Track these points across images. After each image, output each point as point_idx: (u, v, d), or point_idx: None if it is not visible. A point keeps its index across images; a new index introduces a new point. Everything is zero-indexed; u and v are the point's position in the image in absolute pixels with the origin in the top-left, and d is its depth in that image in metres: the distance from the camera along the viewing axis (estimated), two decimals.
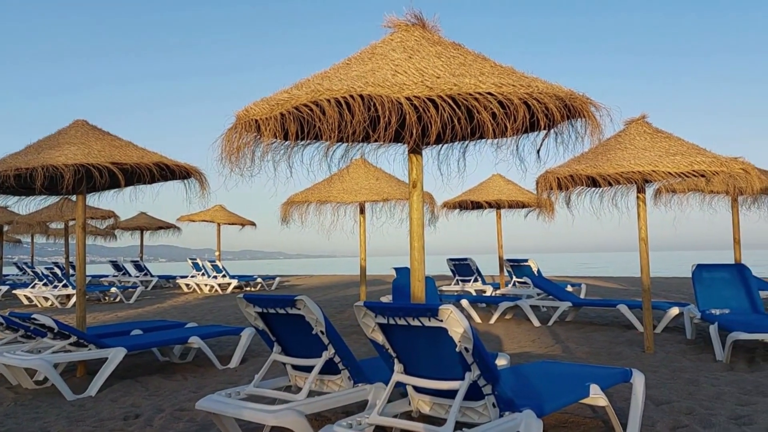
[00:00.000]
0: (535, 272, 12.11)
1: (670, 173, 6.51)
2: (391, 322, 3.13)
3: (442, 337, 3.01)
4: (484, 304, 11.61)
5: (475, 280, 12.09)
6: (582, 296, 12.85)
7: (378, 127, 3.68)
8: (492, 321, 9.48)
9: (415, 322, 3.03)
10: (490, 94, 3.21)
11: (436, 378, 3.17)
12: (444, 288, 12.17)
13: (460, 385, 2.97)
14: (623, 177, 6.69)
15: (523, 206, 12.32)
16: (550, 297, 10.21)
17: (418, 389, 3.35)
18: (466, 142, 4.62)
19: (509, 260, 12.24)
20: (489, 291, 11.79)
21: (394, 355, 3.31)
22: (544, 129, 4.01)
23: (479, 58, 3.78)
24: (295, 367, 3.92)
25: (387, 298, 10.56)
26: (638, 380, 3.89)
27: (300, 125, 3.87)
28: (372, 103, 3.22)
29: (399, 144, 4.64)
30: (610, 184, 7.56)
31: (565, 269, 43.75)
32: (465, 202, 12.01)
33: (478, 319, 9.56)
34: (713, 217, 11.38)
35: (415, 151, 3.91)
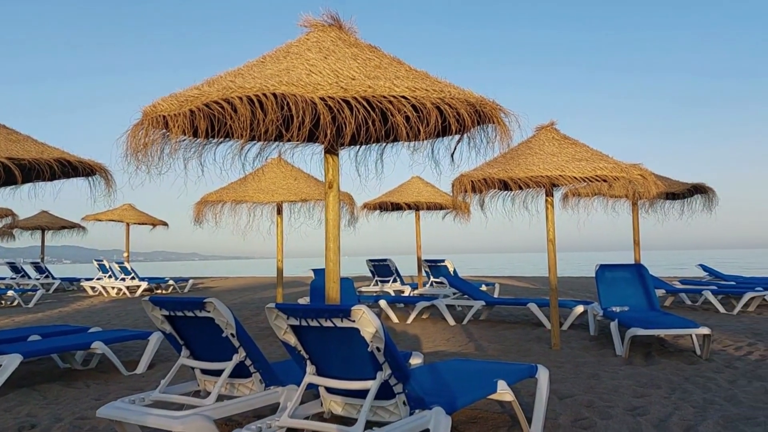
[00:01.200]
0: (452, 272, 12.39)
1: (575, 178, 6.84)
2: (304, 323, 3.11)
3: (355, 338, 3.02)
4: (402, 305, 11.77)
5: (394, 281, 12.22)
6: (495, 295, 13.27)
7: (292, 126, 3.65)
8: (409, 321, 9.61)
9: (328, 323, 3.02)
10: (404, 97, 3.26)
11: (348, 378, 3.18)
12: (363, 289, 12.22)
13: (372, 385, 2.99)
14: (533, 181, 6.95)
15: (441, 208, 12.58)
16: (465, 296, 10.48)
17: (330, 390, 3.35)
18: (383, 144, 4.67)
19: (427, 261, 12.46)
20: (407, 291, 11.95)
21: (306, 356, 3.29)
22: (457, 133, 4.11)
23: (395, 61, 3.83)
24: (204, 372, 3.81)
25: (305, 300, 10.48)
26: (543, 376, 4.06)
27: (211, 123, 3.78)
28: (285, 103, 3.19)
29: (316, 144, 4.63)
30: (521, 188, 7.86)
31: (480, 269, 45.03)
32: (385, 204, 12.12)
33: (395, 319, 9.66)
34: (615, 220, 12.07)
35: (331, 151, 3.91)
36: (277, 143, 4.36)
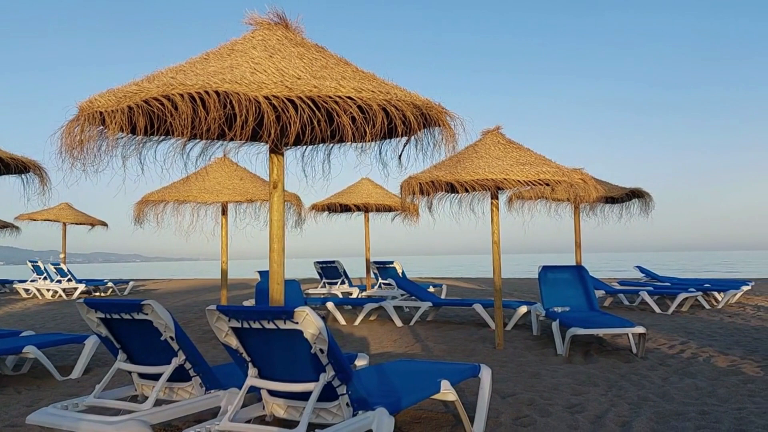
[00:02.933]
0: (400, 274, 12.46)
1: (519, 181, 6.98)
2: (245, 325, 3.07)
3: (298, 340, 2.99)
4: (350, 306, 11.74)
5: (342, 283, 12.18)
6: (443, 296, 13.42)
7: (235, 125, 3.59)
8: (357, 322, 9.61)
9: (270, 325, 2.99)
10: (350, 98, 3.25)
11: (291, 381, 3.14)
12: (311, 291, 12.14)
13: (315, 387, 2.97)
14: (479, 184, 7.06)
15: (390, 210, 12.62)
16: (413, 298, 10.55)
17: (273, 393, 3.31)
18: (331, 144, 4.65)
19: (376, 262, 12.48)
20: (355, 293, 11.94)
21: (248, 359, 3.23)
22: (403, 136, 4.13)
23: (341, 62, 3.82)
24: (142, 376, 3.70)
25: (251, 302, 10.32)
26: (485, 375, 4.12)
27: (150, 120, 3.68)
28: (228, 101, 3.13)
29: (261, 143, 4.57)
30: (467, 191, 7.98)
31: (429, 271, 45.45)
32: (333, 205, 12.08)
33: (343, 321, 9.64)
34: (558, 223, 12.40)
35: (276, 151, 3.86)
36: (220, 142, 4.28)
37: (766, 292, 14.92)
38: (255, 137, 4.24)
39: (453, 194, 8.31)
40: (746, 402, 4.60)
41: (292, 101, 3.20)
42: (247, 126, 3.16)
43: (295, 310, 2.85)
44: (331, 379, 3.00)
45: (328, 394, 3.08)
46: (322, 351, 2.93)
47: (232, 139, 4.01)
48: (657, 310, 10.82)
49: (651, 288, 11.48)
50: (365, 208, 12.08)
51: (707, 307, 11.33)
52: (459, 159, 7.39)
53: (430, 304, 9.28)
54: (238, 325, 3.09)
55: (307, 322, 2.86)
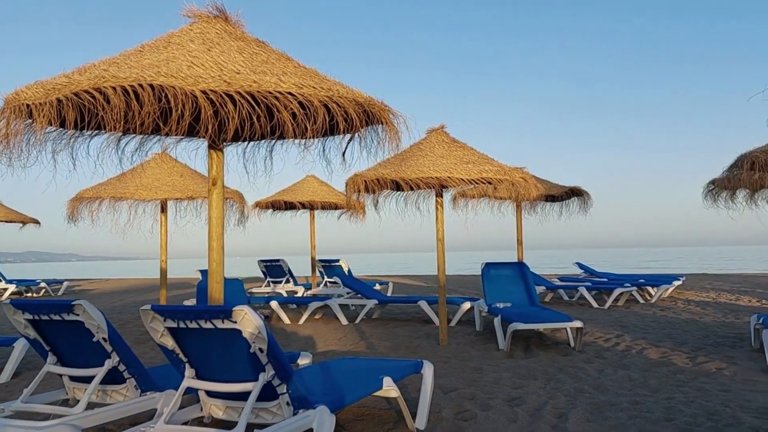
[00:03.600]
0: (346, 272, 12.44)
1: (463, 180, 7.08)
2: (182, 325, 2.99)
3: (236, 339, 2.94)
4: (294, 305, 11.64)
5: (287, 281, 12.07)
6: (389, 294, 13.47)
7: (170, 119, 3.50)
8: (301, 321, 9.53)
9: (208, 325, 2.92)
10: (290, 93, 3.22)
11: (230, 381, 3.09)
12: (255, 290, 11.97)
13: (254, 386, 2.93)
14: (423, 182, 7.12)
15: (336, 207, 12.58)
16: (359, 296, 10.54)
17: (211, 394, 3.24)
18: (273, 141, 4.59)
19: (321, 261, 12.41)
20: (301, 292, 11.84)
21: (185, 360, 3.16)
22: (346, 133, 4.12)
23: (283, 57, 3.77)
24: (73, 379, 3.56)
25: (191, 302, 10.10)
26: (428, 371, 4.16)
27: (81, 114, 3.54)
28: (164, 95, 3.04)
29: (200, 139, 4.46)
30: (412, 189, 8.03)
31: (376, 268, 45.57)
32: (278, 203, 11.94)
33: (287, 320, 9.55)
34: (501, 220, 12.64)
35: (215, 147, 3.78)
36: (158, 137, 4.16)
37: (696, 287, 15.65)
38: (192, 132, 4.13)
39: (398, 192, 8.35)
40: (675, 392, 4.81)
41: (230, 96, 3.13)
42: (183, 121, 3.08)
43: (234, 309, 2.80)
44: (271, 379, 2.96)
45: (267, 393, 3.05)
46: (261, 350, 2.89)
47: (167, 134, 3.90)
48: (594, 304, 11.18)
49: (589, 283, 11.85)
50: (311, 206, 11.99)
51: (641, 301, 11.79)
52: (404, 157, 7.44)
53: (375, 301, 9.30)
54: (174, 325, 3.01)
55: (246, 321, 2.82)
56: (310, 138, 4.03)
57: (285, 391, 3.01)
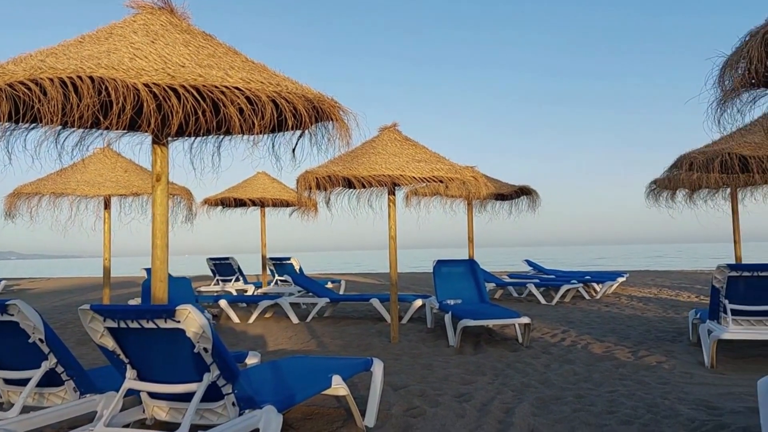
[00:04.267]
0: (297, 270, 12.34)
1: (415, 178, 7.12)
2: (123, 325, 2.90)
3: (180, 339, 2.87)
4: (244, 304, 11.48)
5: (237, 280, 11.88)
6: (341, 292, 13.44)
7: (111, 113, 3.39)
8: (251, 320, 9.40)
9: (150, 325, 2.84)
10: (237, 88, 3.16)
11: (174, 381, 3.01)
12: (203, 288, 11.74)
13: (198, 387, 2.87)
14: (375, 180, 7.12)
15: (288, 205, 12.45)
16: (310, 294, 10.48)
17: (154, 395, 3.15)
18: (221, 136, 4.50)
19: (272, 259, 12.28)
20: (251, 290, 11.68)
21: (126, 361, 3.06)
22: (296, 129, 4.08)
23: (230, 51, 3.70)
24: (8, 381, 3.41)
25: (137, 301, 9.83)
26: (377, 369, 4.16)
27: (16, 106, 3.38)
28: (104, 87, 2.94)
29: (145, 133, 4.34)
30: (364, 186, 8.03)
31: (328, 267, 45.40)
32: (227, 200, 11.73)
33: (236, 319, 9.40)
34: (453, 218, 12.78)
35: (160, 142, 3.68)
36: (99, 131, 4.02)
37: (639, 283, 16.19)
38: (134, 127, 4.01)
39: (351, 190, 8.33)
40: (617, 385, 4.95)
41: (174, 90, 3.05)
42: (124, 115, 2.98)
43: (177, 308, 2.73)
44: (216, 379, 2.90)
45: (213, 394, 2.99)
46: (206, 350, 2.83)
47: (108, 128, 3.78)
48: (542, 301, 11.43)
49: (537, 280, 12.10)
50: (261, 203, 11.84)
51: (587, 297, 12.11)
52: (356, 154, 7.42)
53: (327, 300, 9.26)
54: (114, 325, 2.91)
55: (190, 321, 2.75)
56: (258, 134, 3.96)
57: (230, 391, 2.96)
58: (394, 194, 7.59)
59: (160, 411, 3.17)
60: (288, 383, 3.54)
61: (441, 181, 7.44)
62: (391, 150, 7.40)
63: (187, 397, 3.07)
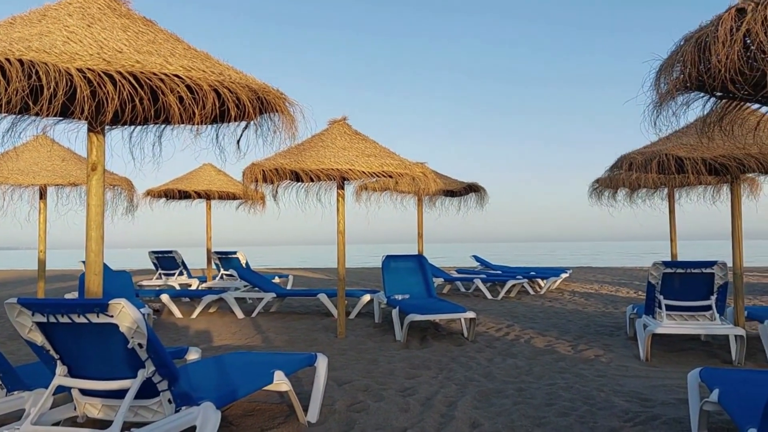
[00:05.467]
0: (244, 265, 12.15)
1: (364, 172, 7.10)
2: (52, 320, 2.78)
3: (113, 334, 2.77)
4: (188, 299, 11.24)
5: (180, 274, 11.61)
6: (289, 287, 13.31)
7: (41, 98, 3.23)
8: (194, 315, 9.21)
9: (81, 319, 2.73)
10: (177, 76, 3.06)
11: (106, 378, 2.91)
12: (144, 282, 11.42)
13: (132, 384, 2.78)
14: (324, 173, 7.07)
15: (234, 197, 12.23)
16: (257, 289, 10.34)
17: (86, 392, 3.04)
18: (162, 126, 4.37)
19: (217, 253, 12.05)
20: (195, 285, 11.44)
21: (56, 357, 2.94)
22: (240, 120, 3.99)
23: (171, 38, 3.59)
24: None
25: (73, 295, 9.47)
26: (321, 364, 4.14)
27: None
28: (35, 71, 2.80)
29: (81, 121, 4.16)
30: (313, 180, 7.96)
31: (276, 261, 44.93)
32: (171, 191, 11.43)
33: (179, 314, 9.18)
34: (404, 214, 12.84)
35: (95, 130, 3.54)
36: (32, 118, 3.83)
37: (582, 279, 16.66)
38: (67, 113, 3.84)
39: (299, 183, 8.25)
40: (557, 378, 5.08)
41: (110, 76, 2.93)
42: (55, 100, 2.84)
43: (110, 302, 2.63)
44: (151, 375, 2.82)
45: (148, 390, 2.90)
46: (140, 345, 2.74)
47: (38, 114, 3.61)
48: (489, 296, 11.61)
49: (484, 276, 12.30)
50: (207, 196, 11.58)
51: (532, 292, 12.38)
52: (305, 147, 7.35)
53: (273, 294, 9.15)
54: (43, 319, 2.79)
55: (123, 315, 2.66)
56: (198, 124, 3.86)
57: (167, 387, 2.88)
58: (343, 188, 7.56)
59: (93, 408, 3.05)
60: (228, 379, 3.47)
61: (391, 177, 7.44)
62: (341, 144, 7.36)
63: (121, 394, 2.97)
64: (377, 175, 7.35)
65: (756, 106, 3.55)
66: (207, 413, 2.88)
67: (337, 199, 7.52)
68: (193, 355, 4.37)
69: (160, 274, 11.60)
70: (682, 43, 2.69)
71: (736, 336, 5.57)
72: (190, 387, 3.20)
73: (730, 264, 30.58)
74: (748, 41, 2.45)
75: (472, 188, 12.33)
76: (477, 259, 15.63)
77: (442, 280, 12.18)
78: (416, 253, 11.62)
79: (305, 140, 7.58)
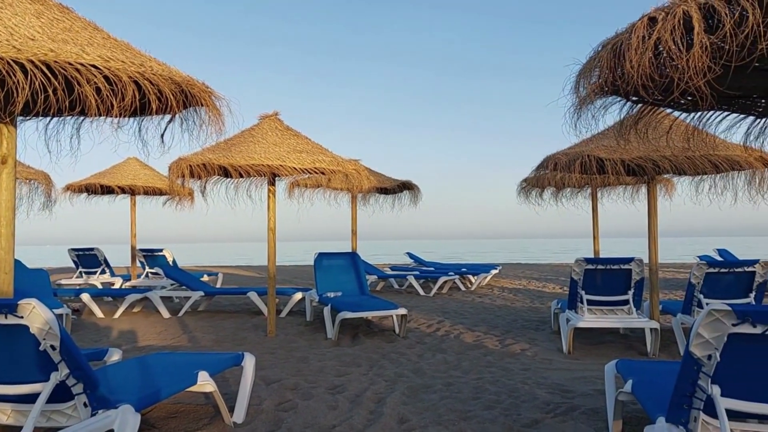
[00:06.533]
0: (171, 262, 11.79)
1: (296, 169, 7.03)
2: None
3: (23, 336, 2.63)
4: (110, 298, 10.81)
5: (103, 272, 11.14)
6: (218, 285, 13.03)
7: None
8: (117, 315, 8.86)
9: None
10: (94, 66, 2.92)
11: (17, 382, 2.75)
12: (64, 281, 10.89)
13: (44, 387, 2.64)
14: (254, 169, 6.95)
15: (161, 193, 11.84)
16: (184, 287, 10.06)
17: None
18: (81, 118, 4.17)
19: (143, 250, 11.64)
20: (118, 283, 11.01)
21: None
22: (163, 113, 3.86)
23: (90, 26, 3.43)
24: None
25: None
26: (249, 363, 4.07)
27: None
28: None
29: None
30: (242, 176, 7.81)
31: (206, 259, 43.89)
32: (93, 186, 10.94)
33: (100, 314, 8.81)
34: (338, 211, 12.79)
35: (3, 120, 3.33)
36: None
37: (511, 275, 17.13)
38: None
39: (228, 179, 8.07)
40: (484, 372, 5.20)
41: (21, 64, 2.77)
42: None
43: (19, 303, 2.49)
44: (65, 378, 2.69)
45: (61, 394, 2.76)
46: (53, 347, 2.61)
47: None
48: (421, 292, 11.76)
49: (417, 272, 12.44)
50: (131, 191, 11.15)
51: (463, 288, 12.63)
52: (234, 143, 7.20)
53: (201, 293, 8.93)
54: None
55: (34, 316, 2.52)
56: (118, 116, 3.71)
57: (82, 391, 2.75)
58: (274, 185, 7.45)
59: (2, 414, 2.88)
60: (149, 381, 3.36)
61: (323, 173, 7.40)
62: (272, 139, 7.26)
63: (32, 398, 2.82)
64: (309, 172, 7.29)
65: (669, 110, 3.75)
66: (125, 416, 2.78)
67: (268, 196, 7.41)
68: (113, 356, 4.20)
69: (80, 272, 11.09)
70: (599, 48, 2.80)
71: (651, 329, 5.86)
72: (108, 389, 3.07)
73: (646, 260, 32.23)
74: (661, 48, 2.57)
75: (406, 186, 12.44)
76: (411, 256, 15.79)
77: (376, 277, 12.22)
78: (350, 250, 11.62)
79: (235, 135, 7.43)
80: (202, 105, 3.77)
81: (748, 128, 3.83)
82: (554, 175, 10.18)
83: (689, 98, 3.17)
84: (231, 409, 4.08)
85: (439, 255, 50.00)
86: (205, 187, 8.03)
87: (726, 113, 3.67)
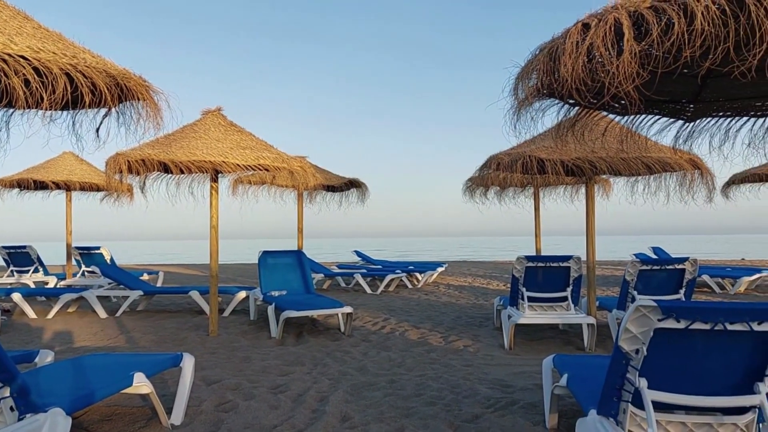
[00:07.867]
0: (108, 261, 11.41)
1: (239, 165, 6.91)
2: None
3: None
4: (43, 297, 10.37)
5: (36, 271, 10.68)
6: (159, 284, 12.70)
7: None
8: (50, 315, 8.51)
9: None
10: (23, 57, 2.80)
11: None
12: None
13: None
14: (195, 165, 6.80)
15: (99, 189, 11.43)
16: (122, 286, 9.75)
17: None
18: (10, 110, 3.98)
19: (79, 248, 11.22)
20: (52, 282, 10.57)
21: None
22: (98, 107, 3.74)
23: (19, 15, 3.27)
24: None
25: None
26: (188, 364, 3.98)
27: None
28: None
29: None
30: (183, 172, 7.63)
31: (146, 257, 42.70)
32: (26, 181, 10.46)
33: (33, 315, 8.45)
34: (283, 209, 12.66)
35: None
36: None
37: (457, 273, 17.37)
38: None
39: (169, 175, 7.88)
40: (427, 369, 5.26)
41: None
42: None
43: None
44: None
45: None
46: None
47: None
48: (368, 290, 11.77)
49: (364, 270, 12.45)
50: (67, 186, 10.72)
51: (409, 286, 12.72)
52: (175, 138, 7.03)
53: (140, 292, 8.68)
54: None
55: None
56: (48, 109, 3.57)
57: (8, 394, 2.63)
58: (216, 181, 7.31)
59: None
60: (82, 383, 3.24)
61: (267, 170, 7.31)
62: (214, 135, 7.12)
63: None
64: (253, 169, 7.19)
65: (604, 113, 3.88)
66: (55, 420, 2.68)
67: (210, 193, 7.27)
68: (45, 358, 4.03)
69: (12, 271, 10.60)
70: (537, 52, 2.87)
71: (587, 324, 6.06)
72: (37, 392, 2.95)
73: (584, 258, 33.29)
74: (595, 53, 2.66)
75: (354, 184, 12.43)
76: (358, 254, 15.79)
77: (323, 275, 12.17)
78: (296, 248, 11.53)
79: (176, 130, 7.25)
80: (139, 99, 3.67)
81: (678, 131, 4.01)
82: (497, 174, 10.38)
83: (621, 102, 3.29)
84: (169, 411, 3.99)
85: (388, 253, 50.22)
86: (144, 183, 7.81)
87: (657, 117, 3.83)
